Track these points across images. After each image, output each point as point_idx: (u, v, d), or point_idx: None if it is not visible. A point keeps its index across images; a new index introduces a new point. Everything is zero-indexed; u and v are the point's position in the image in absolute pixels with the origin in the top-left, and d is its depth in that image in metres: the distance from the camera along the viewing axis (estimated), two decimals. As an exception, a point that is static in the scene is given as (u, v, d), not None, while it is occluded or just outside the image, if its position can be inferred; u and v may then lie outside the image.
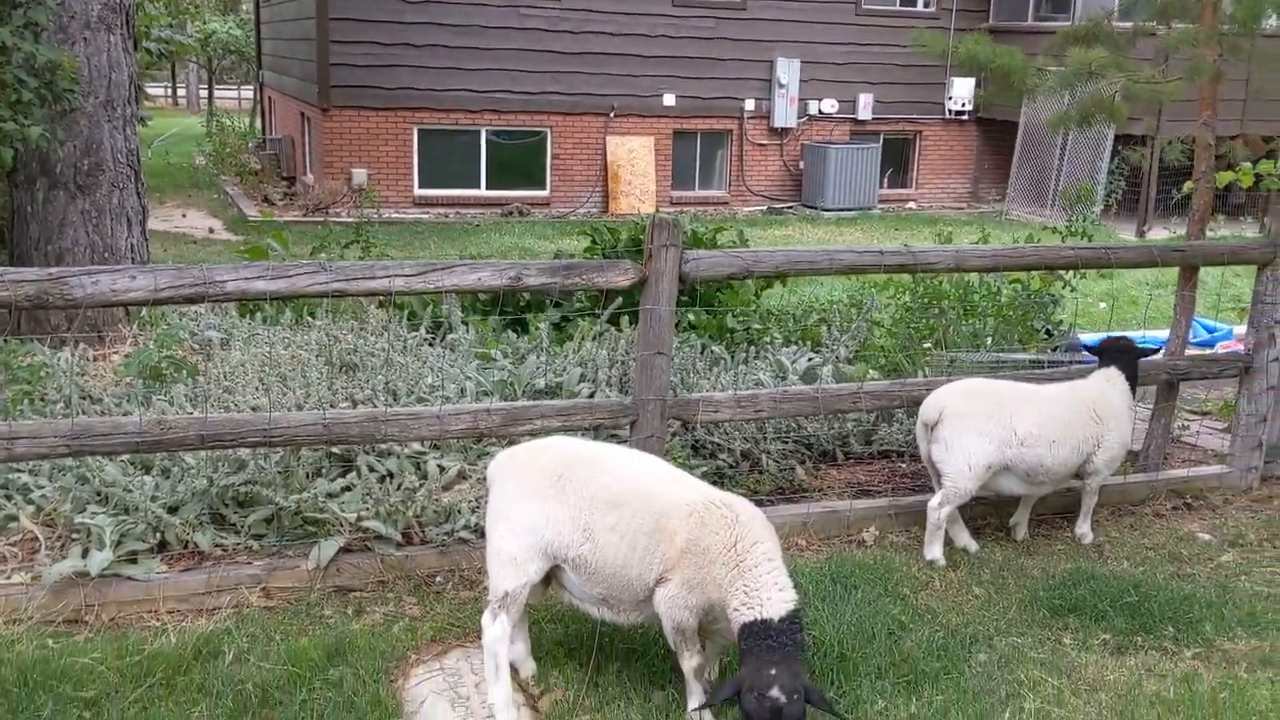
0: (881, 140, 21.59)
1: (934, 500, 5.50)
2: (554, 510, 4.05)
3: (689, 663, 3.98)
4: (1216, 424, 7.79)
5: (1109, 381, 5.71)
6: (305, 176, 20.07)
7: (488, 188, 19.38)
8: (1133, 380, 5.75)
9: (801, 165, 21.19)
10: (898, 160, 22.40)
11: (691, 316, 7.92)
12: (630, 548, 3.94)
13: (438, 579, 5.08)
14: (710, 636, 4.06)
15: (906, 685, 4.25)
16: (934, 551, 5.49)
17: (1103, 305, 11.95)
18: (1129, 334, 6.30)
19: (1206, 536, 5.99)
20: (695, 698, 4.01)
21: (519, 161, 19.51)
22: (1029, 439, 5.43)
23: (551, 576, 4.21)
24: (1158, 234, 18.07)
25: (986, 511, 6.07)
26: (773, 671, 3.55)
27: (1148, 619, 4.87)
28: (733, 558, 3.78)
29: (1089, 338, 7.20)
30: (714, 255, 5.27)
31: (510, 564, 4.07)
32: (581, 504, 4.03)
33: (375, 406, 5.55)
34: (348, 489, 5.21)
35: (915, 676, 4.31)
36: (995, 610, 4.99)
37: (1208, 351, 8.88)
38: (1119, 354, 5.79)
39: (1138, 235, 18.27)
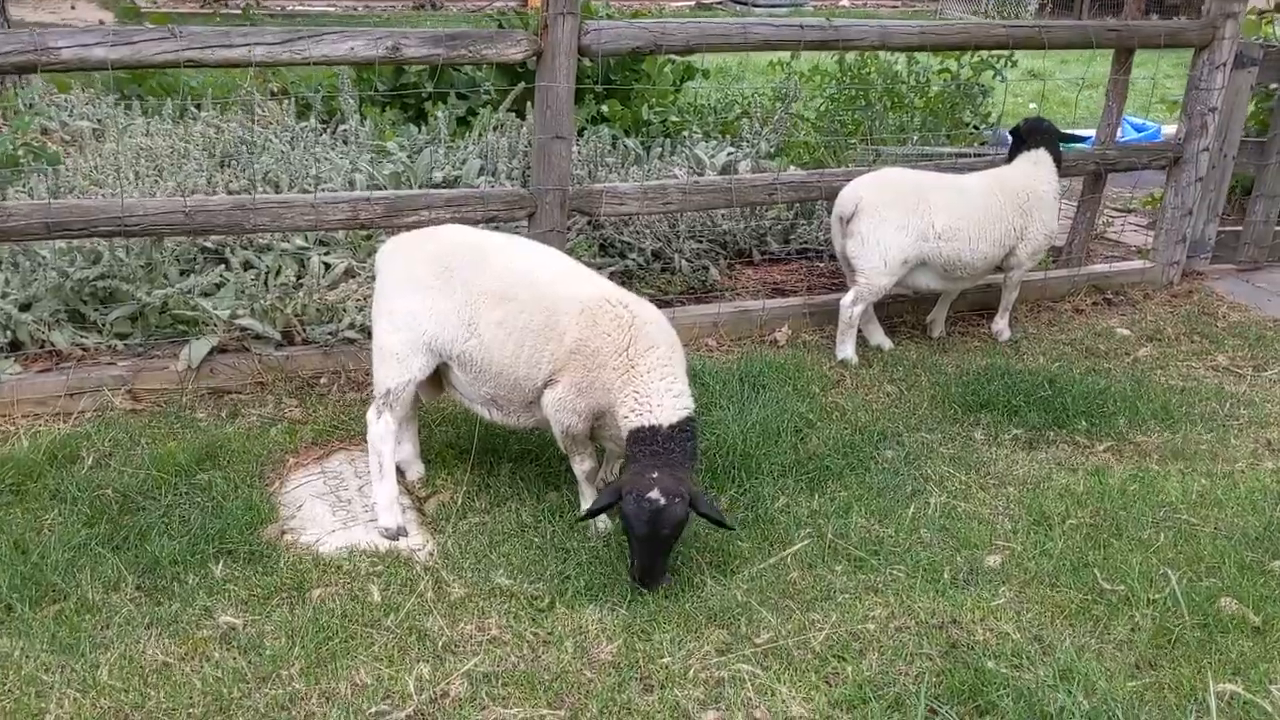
0: (816, -68, 20.62)
1: (847, 298, 5.25)
2: (437, 303, 3.71)
3: (580, 466, 3.76)
4: (1141, 221, 7.61)
5: (1036, 165, 5.37)
6: (202, -35, 18.66)
7: (399, -22, 18.22)
8: (1058, 163, 5.44)
9: (732, -42, 20.21)
10: (833, -45, 21.45)
11: (605, 108, 7.46)
12: (517, 345, 3.63)
13: (321, 380, 4.77)
14: (603, 443, 3.82)
15: (810, 482, 4.08)
16: (846, 350, 5.27)
17: (1033, 106, 11.60)
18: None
19: (1125, 331, 5.85)
20: (586, 501, 3.81)
21: (432, -50, 18.31)
22: (948, 232, 5.14)
23: (442, 376, 3.92)
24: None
25: (904, 309, 5.87)
26: (654, 475, 3.31)
27: (1061, 413, 4.73)
28: (624, 362, 3.48)
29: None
30: (617, 25, 4.80)
31: (393, 359, 3.76)
32: (467, 297, 3.69)
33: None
34: (219, 285, 4.81)
35: (819, 473, 4.13)
36: (906, 407, 4.82)
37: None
38: (1044, 134, 5.40)
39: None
